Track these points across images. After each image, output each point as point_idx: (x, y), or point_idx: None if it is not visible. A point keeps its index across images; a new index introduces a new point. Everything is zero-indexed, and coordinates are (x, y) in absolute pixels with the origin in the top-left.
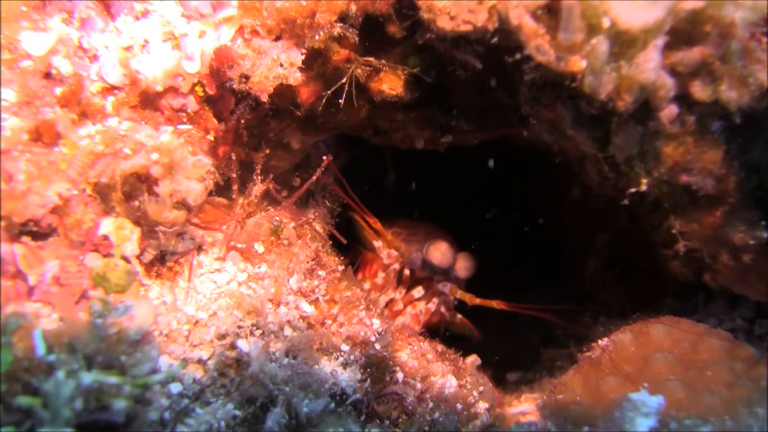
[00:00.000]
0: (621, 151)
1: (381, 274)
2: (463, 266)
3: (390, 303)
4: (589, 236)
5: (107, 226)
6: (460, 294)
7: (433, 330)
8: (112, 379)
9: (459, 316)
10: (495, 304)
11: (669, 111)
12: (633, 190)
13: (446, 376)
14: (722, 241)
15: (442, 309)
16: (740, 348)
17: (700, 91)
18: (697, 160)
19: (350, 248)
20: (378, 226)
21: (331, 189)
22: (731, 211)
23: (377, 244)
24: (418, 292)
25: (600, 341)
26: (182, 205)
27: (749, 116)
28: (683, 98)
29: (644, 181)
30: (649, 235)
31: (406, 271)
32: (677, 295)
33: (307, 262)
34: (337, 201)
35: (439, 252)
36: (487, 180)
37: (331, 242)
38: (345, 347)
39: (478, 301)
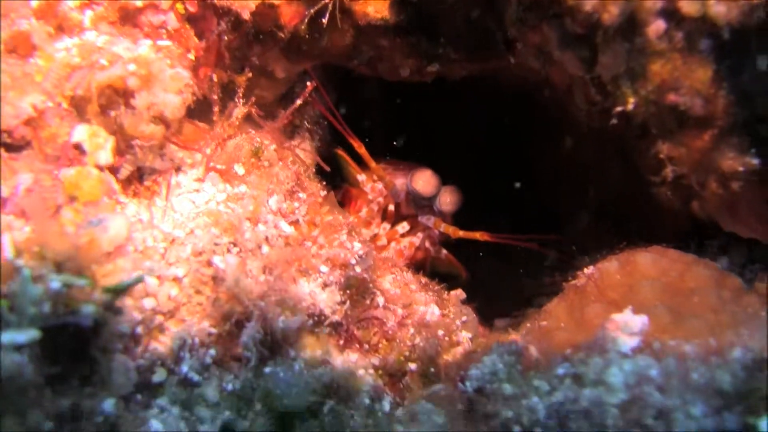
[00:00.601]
0: (607, 69)
1: (365, 209)
2: (447, 199)
3: (374, 238)
4: (581, 189)
5: (81, 133)
6: (444, 227)
7: (418, 267)
8: (81, 281)
9: (444, 251)
10: (479, 235)
11: (656, 26)
12: (619, 109)
13: (429, 305)
14: (711, 167)
15: (427, 244)
16: (728, 278)
17: (687, 5)
18: (685, 78)
19: (335, 188)
20: (363, 151)
21: (317, 121)
22: (720, 136)
23: (361, 177)
24: (403, 227)
25: (585, 269)
26: (160, 120)
27: (739, 36)
28: (671, 14)
29: (631, 100)
30: (637, 163)
31: (391, 207)
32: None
33: (288, 184)
34: (322, 136)
35: (423, 179)
36: (478, 130)
37: (314, 171)
38: (324, 268)
39: (461, 233)
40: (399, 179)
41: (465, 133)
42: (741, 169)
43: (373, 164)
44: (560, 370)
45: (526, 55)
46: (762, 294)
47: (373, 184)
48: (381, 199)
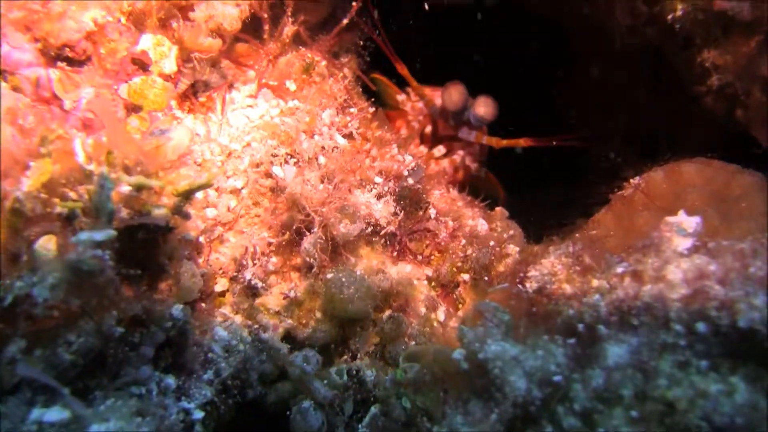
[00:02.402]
0: None
1: (404, 129)
2: (482, 105)
3: None
4: (609, 115)
5: (146, 41)
6: (485, 139)
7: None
8: (154, 182)
9: (484, 170)
10: (522, 141)
11: None
12: (670, 16)
13: (477, 219)
14: (756, 74)
15: (467, 161)
16: None
17: None
18: None
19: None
20: (405, 71)
21: (361, 45)
22: (766, 41)
23: (401, 98)
24: (439, 150)
25: (631, 180)
26: (217, 33)
27: None
28: None
29: (680, 6)
30: (679, 75)
31: (428, 129)
32: None
33: (340, 98)
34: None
35: (454, 90)
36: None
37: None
38: (379, 179)
39: (504, 142)
40: (437, 99)
41: (499, 59)
42: None
43: (414, 82)
44: (619, 269)
45: None
46: None
47: (413, 103)
48: (420, 119)
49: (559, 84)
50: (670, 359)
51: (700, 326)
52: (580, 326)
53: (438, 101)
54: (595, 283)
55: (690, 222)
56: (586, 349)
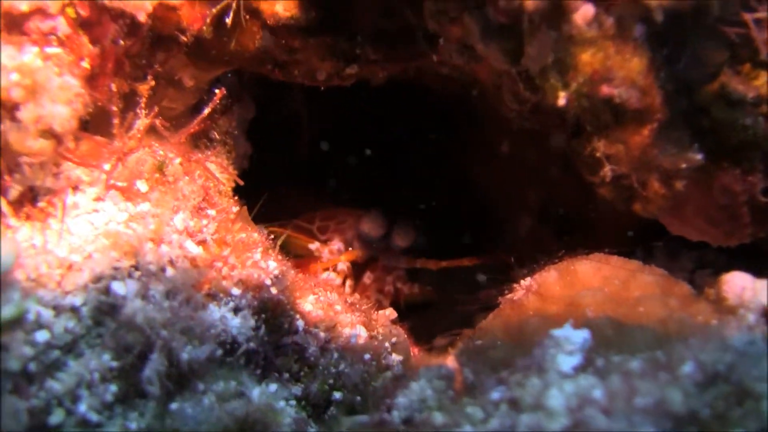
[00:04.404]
0: (535, 61)
1: (325, 275)
2: (400, 235)
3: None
4: (521, 192)
5: None
6: (420, 263)
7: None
8: None
9: (416, 285)
10: (467, 261)
11: (584, 11)
12: (550, 104)
13: (355, 327)
14: (652, 164)
15: (399, 285)
16: (676, 285)
17: None
18: (619, 68)
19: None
20: (313, 242)
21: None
22: (660, 130)
23: (314, 246)
24: (368, 278)
25: (522, 281)
26: (49, 134)
27: (673, 20)
28: None
29: (562, 94)
30: (575, 163)
31: (347, 265)
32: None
33: (194, 200)
34: (242, 149)
35: (370, 223)
36: (412, 137)
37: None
38: (236, 291)
39: (444, 264)
40: (348, 233)
41: (397, 141)
42: (684, 165)
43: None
44: (495, 395)
45: (450, 51)
46: (712, 300)
47: (329, 248)
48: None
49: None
50: None
51: None
52: None
53: (349, 237)
54: (468, 410)
55: (577, 336)
56: None
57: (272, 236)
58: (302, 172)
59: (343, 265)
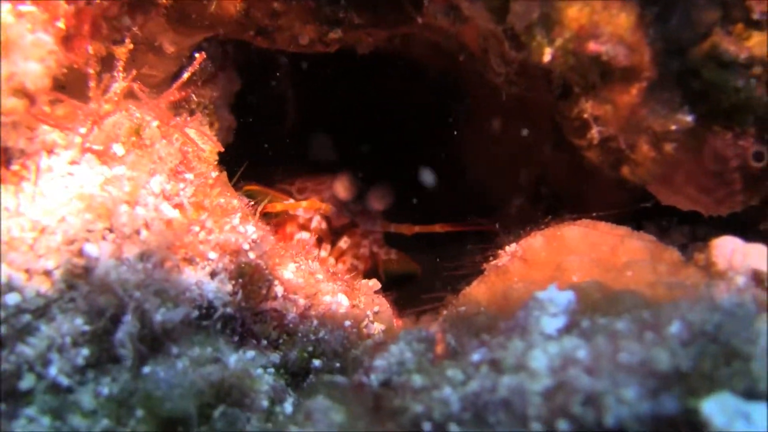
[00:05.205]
0: (520, 18)
1: (299, 235)
2: (375, 196)
3: (322, 263)
4: (512, 170)
5: None
6: (394, 227)
7: (372, 274)
8: None
9: (393, 251)
10: (438, 227)
11: None
12: (536, 62)
13: (336, 295)
14: (641, 126)
15: (375, 248)
16: (666, 251)
17: None
18: (606, 23)
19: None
20: (290, 204)
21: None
22: (649, 90)
23: (287, 203)
24: (345, 242)
25: (507, 247)
26: (21, 93)
27: None
28: None
29: (547, 50)
30: (562, 126)
31: (323, 226)
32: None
33: (171, 163)
34: (225, 127)
35: (343, 186)
36: (401, 112)
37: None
38: (213, 255)
39: (417, 228)
40: (324, 194)
41: (386, 114)
42: (674, 127)
43: (304, 204)
44: (475, 356)
45: (435, 13)
46: (701, 266)
47: (303, 207)
48: (317, 220)
49: (460, 138)
50: None
51: (562, 425)
52: (427, 425)
53: (326, 198)
54: (448, 372)
55: (562, 298)
56: None
57: (249, 196)
58: (288, 147)
59: (316, 223)
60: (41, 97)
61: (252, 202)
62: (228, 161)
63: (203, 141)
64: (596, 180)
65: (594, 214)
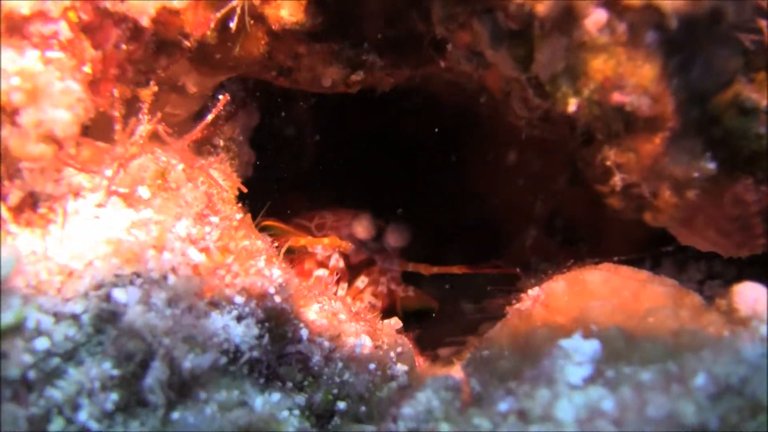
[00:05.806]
0: (545, 68)
1: (318, 272)
2: (393, 236)
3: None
4: (527, 203)
5: None
6: (412, 266)
7: (389, 312)
8: None
9: (411, 288)
10: (456, 269)
11: (596, 17)
12: (560, 111)
13: (360, 336)
14: (663, 173)
15: (392, 287)
16: (687, 295)
17: None
18: (631, 75)
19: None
20: (312, 239)
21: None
22: (672, 139)
23: (305, 241)
24: (362, 281)
25: (530, 291)
26: (50, 139)
27: (687, 27)
28: (612, 3)
29: (572, 101)
30: (584, 172)
31: (341, 264)
32: (623, 261)
33: (197, 207)
34: (246, 156)
35: (362, 225)
36: (417, 145)
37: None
38: (239, 299)
39: (435, 269)
40: (343, 231)
41: (402, 148)
42: (696, 175)
43: (326, 242)
44: (503, 406)
45: (458, 58)
46: (723, 312)
47: (323, 245)
48: (336, 259)
49: (475, 169)
50: None
51: None
52: None
53: (345, 236)
54: (475, 421)
55: (587, 347)
56: None
57: (267, 231)
58: (306, 180)
59: (334, 261)
60: (69, 141)
61: (271, 239)
62: (248, 195)
63: (224, 179)
64: (612, 212)
65: (615, 259)
